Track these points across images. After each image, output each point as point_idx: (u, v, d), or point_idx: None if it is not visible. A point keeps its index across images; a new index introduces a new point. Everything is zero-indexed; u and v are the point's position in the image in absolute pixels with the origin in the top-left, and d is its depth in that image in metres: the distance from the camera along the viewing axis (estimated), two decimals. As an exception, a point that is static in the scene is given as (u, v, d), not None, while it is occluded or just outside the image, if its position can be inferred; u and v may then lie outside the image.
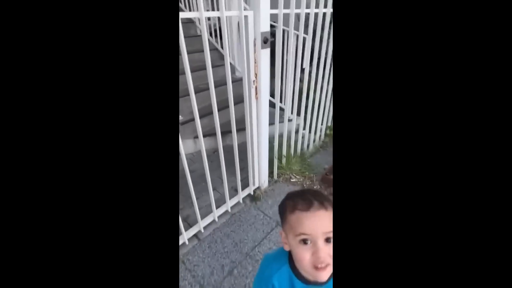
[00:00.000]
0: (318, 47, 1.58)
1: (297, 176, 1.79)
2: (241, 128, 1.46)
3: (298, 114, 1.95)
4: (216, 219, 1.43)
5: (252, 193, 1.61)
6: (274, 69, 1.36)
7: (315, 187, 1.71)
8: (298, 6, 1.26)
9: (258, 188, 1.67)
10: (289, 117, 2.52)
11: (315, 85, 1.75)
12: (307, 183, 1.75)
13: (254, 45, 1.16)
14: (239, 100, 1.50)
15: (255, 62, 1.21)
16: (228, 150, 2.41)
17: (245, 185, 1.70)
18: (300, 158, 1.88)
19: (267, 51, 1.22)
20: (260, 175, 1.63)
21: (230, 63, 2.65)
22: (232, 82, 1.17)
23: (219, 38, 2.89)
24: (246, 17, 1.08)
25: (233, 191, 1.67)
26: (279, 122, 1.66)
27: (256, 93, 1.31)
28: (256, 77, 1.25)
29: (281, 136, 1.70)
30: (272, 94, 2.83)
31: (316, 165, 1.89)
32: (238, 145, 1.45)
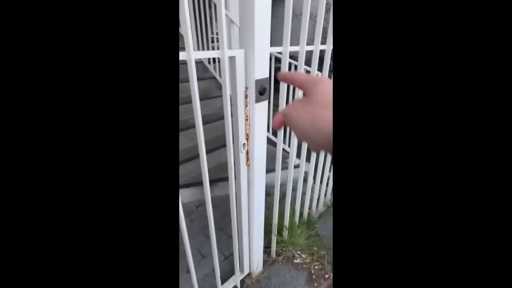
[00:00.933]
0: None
1: (303, 255, 1.34)
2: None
3: (308, 160, 1.49)
4: (183, 335, 0.98)
5: (238, 285, 1.17)
6: (278, 96, 0.96)
7: (326, 276, 1.25)
8: (310, 41, 0.89)
9: (249, 275, 1.22)
10: (295, 162, 2.11)
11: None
12: (316, 266, 1.29)
13: (246, 96, 0.78)
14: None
15: (246, 120, 0.82)
16: (216, 204, 1.95)
17: (230, 268, 1.26)
18: (307, 226, 1.44)
19: (263, 105, 0.84)
20: (251, 256, 1.19)
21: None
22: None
23: (217, 63, 2.57)
24: (232, 58, 0.71)
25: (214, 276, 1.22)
26: (282, 169, 1.18)
27: (248, 160, 0.91)
28: (247, 139, 0.86)
29: (282, 190, 1.26)
30: (274, 132, 2.41)
31: (328, 236, 1.45)
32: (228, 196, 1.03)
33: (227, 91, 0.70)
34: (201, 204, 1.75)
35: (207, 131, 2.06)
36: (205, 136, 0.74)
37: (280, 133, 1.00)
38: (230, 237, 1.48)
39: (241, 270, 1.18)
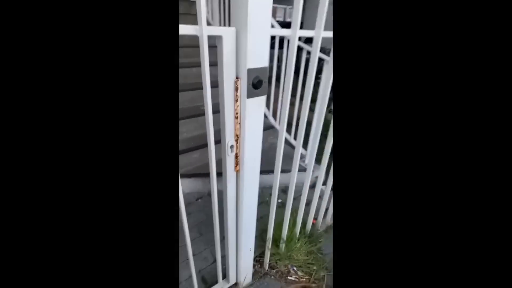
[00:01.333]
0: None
1: (299, 273, 1.19)
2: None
3: (318, 161, 1.21)
4: None
5: (222, 295, 1.06)
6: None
7: (322, 302, 1.10)
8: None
9: (235, 285, 1.11)
10: (304, 163, 1.91)
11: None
12: (312, 288, 1.14)
13: (236, 89, 0.63)
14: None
15: (236, 117, 0.67)
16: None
17: (213, 276, 1.15)
18: (308, 240, 1.28)
19: (259, 101, 0.67)
20: (239, 266, 1.08)
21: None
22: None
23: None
24: (219, 38, 0.55)
25: (201, 283, 1.13)
26: (281, 172, 0.90)
27: (237, 164, 0.77)
28: (237, 141, 0.71)
29: (282, 191, 1.11)
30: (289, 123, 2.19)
31: (331, 254, 1.27)
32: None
33: (206, 81, 0.55)
34: (202, 196, 1.67)
35: (216, 120, 1.94)
36: (213, 125, 0.62)
37: (283, 125, 0.82)
38: (223, 239, 1.37)
39: (227, 279, 1.08)
